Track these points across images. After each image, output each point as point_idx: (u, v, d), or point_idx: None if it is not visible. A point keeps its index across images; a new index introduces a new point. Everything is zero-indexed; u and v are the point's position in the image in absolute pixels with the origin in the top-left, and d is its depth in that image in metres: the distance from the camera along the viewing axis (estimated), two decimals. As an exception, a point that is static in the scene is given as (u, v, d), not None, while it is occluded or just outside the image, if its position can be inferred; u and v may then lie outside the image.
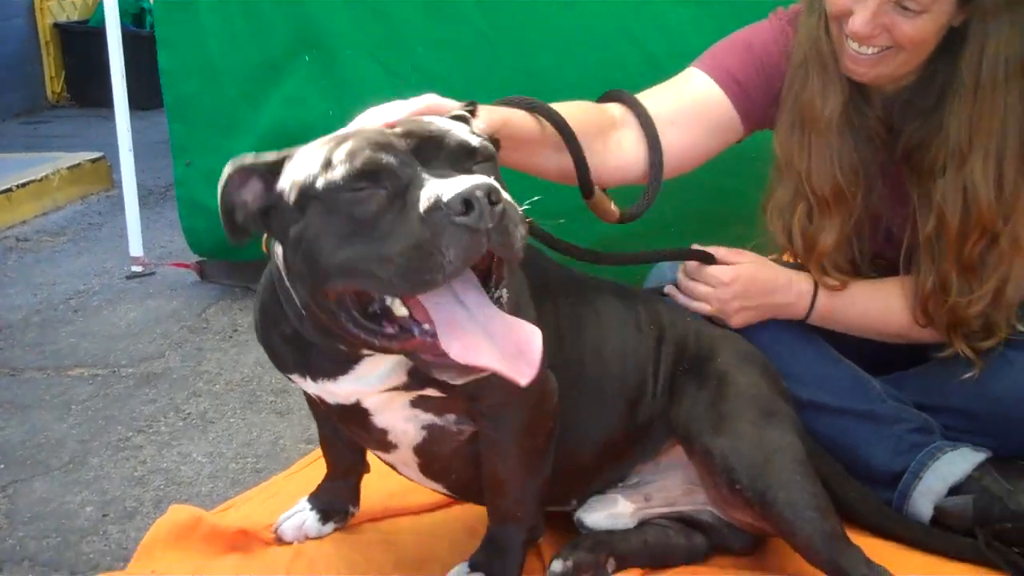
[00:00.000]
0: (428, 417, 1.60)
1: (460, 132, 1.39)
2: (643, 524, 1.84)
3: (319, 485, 1.97)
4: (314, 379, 1.56)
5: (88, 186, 5.14)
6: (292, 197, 1.37)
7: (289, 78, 3.35)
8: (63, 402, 2.78)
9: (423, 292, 1.28)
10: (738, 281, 1.90)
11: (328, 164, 1.34)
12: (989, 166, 1.73)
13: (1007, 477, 1.80)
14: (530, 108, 1.79)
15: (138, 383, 2.89)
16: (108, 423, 2.64)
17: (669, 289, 1.99)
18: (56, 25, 7.74)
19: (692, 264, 1.95)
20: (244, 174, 1.43)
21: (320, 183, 1.33)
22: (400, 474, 1.79)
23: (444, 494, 1.83)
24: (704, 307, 1.93)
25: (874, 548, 1.75)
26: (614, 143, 1.89)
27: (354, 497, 1.96)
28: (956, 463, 1.83)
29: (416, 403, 1.57)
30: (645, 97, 1.99)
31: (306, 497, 1.97)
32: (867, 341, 1.95)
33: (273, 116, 3.37)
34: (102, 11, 3.80)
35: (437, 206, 1.23)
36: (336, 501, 1.95)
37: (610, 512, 1.83)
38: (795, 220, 1.91)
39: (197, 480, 2.33)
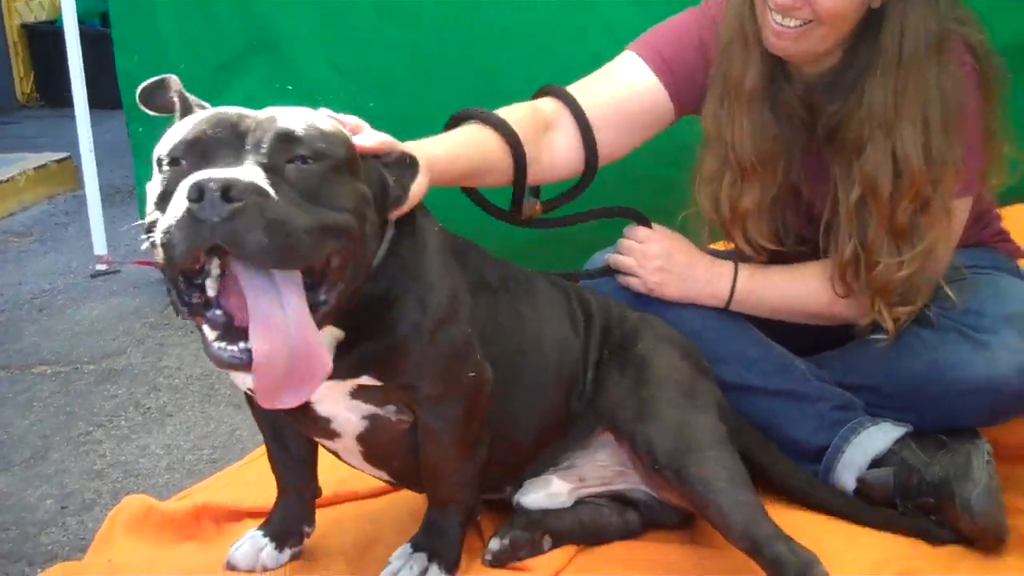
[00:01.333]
0: (369, 408, 1.65)
1: (287, 122, 1.39)
2: (578, 503, 1.91)
3: (270, 511, 1.89)
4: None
5: (55, 186, 5.18)
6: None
7: (245, 79, 3.40)
8: (26, 399, 2.84)
9: (164, 266, 1.33)
10: (663, 242, 1.99)
11: (170, 135, 1.41)
12: (917, 133, 1.81)
13: (925, 450, 1.88)
14: (485, 121, 1.90)
15: (99, 379, 2.94)
16: (69, 419, 2.70)
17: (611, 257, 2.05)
18: (24, 25, 7.76)
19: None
20: None
21: (157, 151, 1.41)
22: (344, 462, 1.85)
23: (387, 481, 1.89)
24: (628, 260, 2.00)
25: (798, 520, 1.83)
26: (547, 145, 1.96)
27: (308, 516, 1.89)
28: (877, 437, 1.91)
29: (356, 394, 1.62)
30: (580, 88, 2.06)
31: (256, 527, 1.88)
32: (791, 324, 2.02)
33: (231, 115, 3.42)
34: (70, 11, 3.84)
35: (181, 191, 1.27)
36: (290, 522, 1.87)
37: (547, 492, 1.89)
38: (722, 188, 1.98)
39: (155, 472, 2.40)
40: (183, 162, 1.36)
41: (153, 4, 3.43)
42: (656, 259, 1.97)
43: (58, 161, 5.27)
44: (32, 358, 3.14)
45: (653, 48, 2.04)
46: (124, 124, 4.88)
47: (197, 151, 1.35)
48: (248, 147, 1.35)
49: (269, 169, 1.33)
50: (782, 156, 1.96)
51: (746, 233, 1.98)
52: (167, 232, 1.26)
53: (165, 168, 1.38)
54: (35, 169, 5.11)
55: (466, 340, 1.64)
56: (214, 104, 3.54)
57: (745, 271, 1.97)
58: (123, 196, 4.92)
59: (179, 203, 1.26)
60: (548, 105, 2.02)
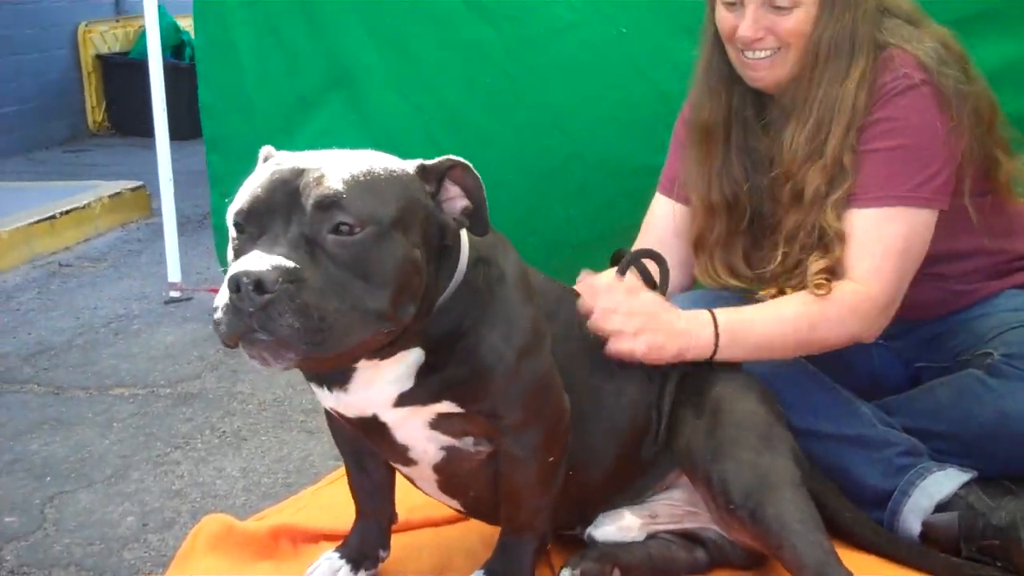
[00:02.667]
0: (447, 439, 1.70)
1: (332, 183, 1.42)
2: (649, 538, 1.95)
3: (347, 534, 1.94)
4: (329, 389, 1.65)
5: (128, 213, 5.34)
6: None
7: (320, 112, 3.52)
8: (105, 419, 2.94)
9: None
10: (639, 301, 1.89)
11: (238, 197, 1.48)
12: (801, 129, 1.97)
13: (991, 495, 1.91)
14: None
15: (176, 402, 3.04)
16: (148, 440, 2.79)
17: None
18: (98, 56, 7.98)
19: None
20: None
21: (229, 215, 1.49)
22: (418, 488, 1.91)
23: (458, 511, 1.95)
24: (611, 325, 1.85)
25: (868, 565, 1.86)
26: None
27: (384, 541, 1.94)
28: (943, 482, 1.94)
29: (434, 425, 1.66)
30: (636, 243, 2.26)
31: (332, 549, 1.94)
32: (858, 369, 2.06)
33: (306, 149, 3.52)
34: (143, 43, 3.99)
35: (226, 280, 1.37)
36: (366, 546, 1.92)
37: (618, 526, 1.94)
38: (693, 225, 2.15)
39: (231, 493, 2.48)
40: (244, 231, 1.45)
41: (234, 41, 3.57)
42: (643, 322, 1.85)
43: (132, 190, 5.43)
44: (110, 380, 3.25)
45: (667, 177, 2.28)
46: (194, 154, 5.06)
47: (254, 221, 1.43)
48: (295, 214, 1.41)
49: (311, 241, 1.39)
50: (745, 200, 2.09)
51: (710, 261, 2.12)
52: (217, 315, 1.38)
53: (233, 235, 1.48)
54: (109, 197, 5.27)
55: (548, 370, 1.69)
56: (292, 139, 3.70)
57: (721, 314, 1.91)
58: (193, 225, 5.06)
59: (223, 291, 1.37)
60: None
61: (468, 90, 3.38)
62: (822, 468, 1.97)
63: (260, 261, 1.34)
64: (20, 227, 4.71)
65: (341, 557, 1.92)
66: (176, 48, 7.55)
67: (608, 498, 1.92)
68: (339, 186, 1.41)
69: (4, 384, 3.22)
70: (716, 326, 1.89)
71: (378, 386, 1.59)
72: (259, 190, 1.45)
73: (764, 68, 1.99)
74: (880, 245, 1.92)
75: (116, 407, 3.03)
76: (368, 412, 1.64)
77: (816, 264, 1.92)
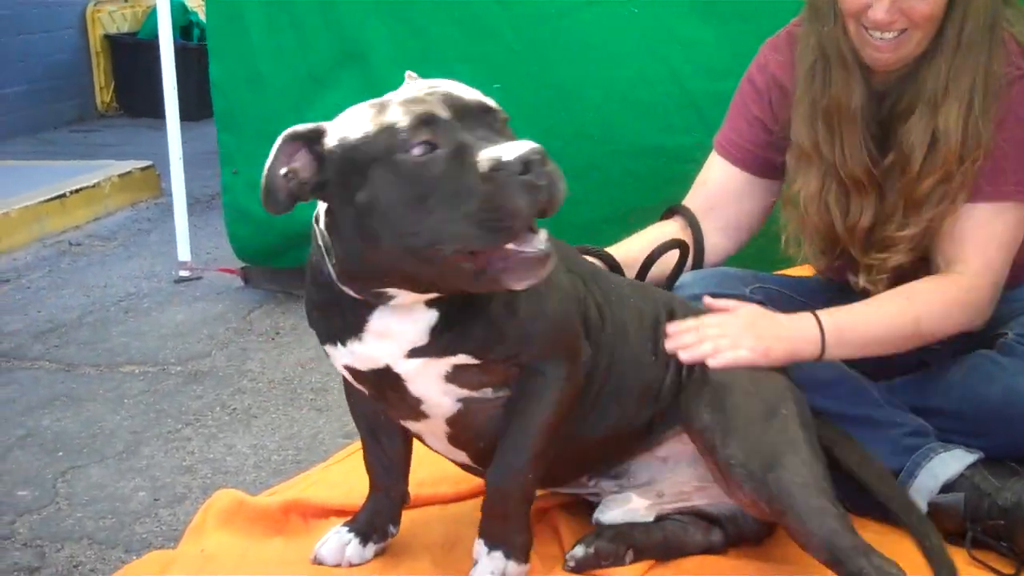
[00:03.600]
0: (464, 391, 1.70)
1: (480, 96, 1.55)
2: (662, 519, 1.95)
3: (359, 509, 1.95)
4: (343, 343, 1.66)
5: (138, 193, 5.36)
6: (348, 161, 1.49)
7: (332, 90, 3.52)
8: (116, 396, 2.96)
9: (505, 242, 1.45)
10: (743, 311, 1.93)
11: (385, 129, 1.47)
12: (961, 113, 1.91)
13: (997, 476, 1.91)
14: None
15: (186, 380, 3.06)
16: (159, 416, 2.81)
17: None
18: (107, 36, 7.99)
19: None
20: (294, 144, 1.53)
21: (381, 147, 1.46)
22: (425, 444, 1.90)
23: (462, 464, 1.93)
24: (711, 343, 1.86)
25: (880, 532, 1.86)
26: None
27: (395, 517, 1.94)
28: (949, 463, 1.94)
29: (451, 378, 1.67)
30: (686, 199, 2.27)
31: (341, 523, 1.95)
32: None
33: (317, 127, 3.53)
34: (151, 23, 4.01)
35: (499, 166, 1.41)
36: (377, 521, 1.92)
37: (625, 509, 1.94)
38: (831, 205, 2.05)
39: (242, 470, 2.50)
40: (447, 128, 1.47)
41: (246, 17, 3.57)
42: (742, 330, 1.88)
43: (142, 169, 5.45)
44: (120, 357, 3.27)
45: (727, 138, 2.24)
46: (202, 136, 5.07)
47: (464, 120, 1.49)
48: (491, 121, 1.53)
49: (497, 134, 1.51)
50: (874, 176, 2.04)
51: (864, 249, 2.04)
52: (504, 206, 1.41)
53: (411, 159, 1.46)
54: (119, 176, 5.29)
55: (565, 313, 1.72)
56: (303, 117, 3.68)
57: (824, 315, 1.92)
58: (202, 205, 5.07)
59: (504, 180, 1.40)
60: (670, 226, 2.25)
61: (477, 70, 3.37)
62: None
63: (524, 144, 1.43)
64: (29, 206, 4.73)
65: (350, 531, 1.92)
66: (184, 28, 7.54)
67: (606, 455, 1.91)
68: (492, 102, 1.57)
69: (15, 361, 3.24)
70: (821, 327, 1.90)
71: (390, 339, 1.62)
72: (457, 95, 1.53)
73: (889, 49, 1.93)
74: (989, 239, 1.94)
75: (127, 384, 3.05)
76: (381, 363, 1.65)
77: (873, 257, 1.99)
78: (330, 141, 1.52)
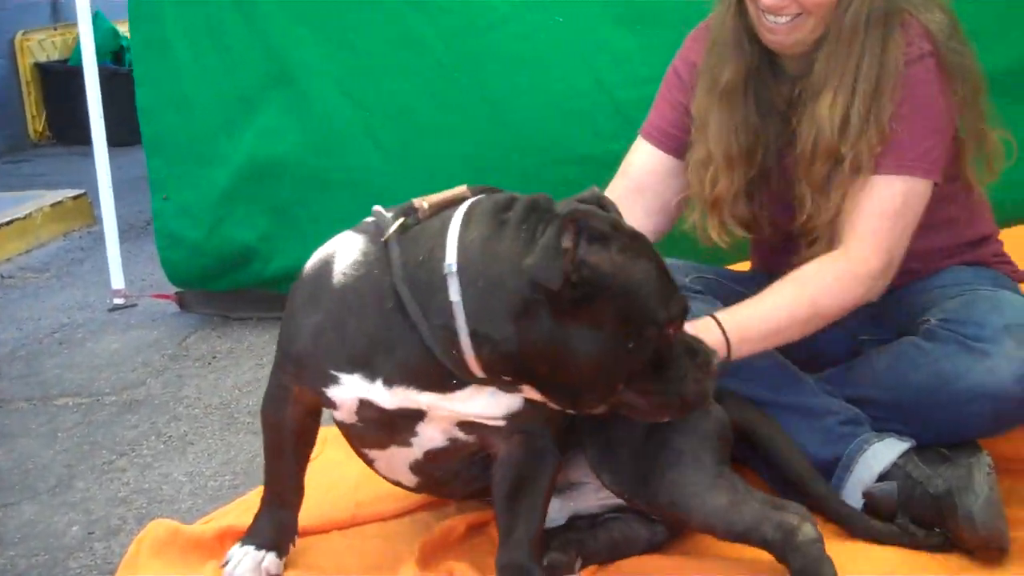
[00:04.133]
0: (460, 434, 1.73)
1: None
2: (610, 520, 1.95)
3: (253, 524, 1.92)
4: (377, 380, 1.64)
5: (70, 222, 5.26)
6: (614, 293, 1.54)
7: (262, 111, 3.49)
8: (50, 430, 2.90)
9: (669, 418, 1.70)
10: None
11: (642, 282, 1.57)
12: (837, 102, 1.96)
13: (928, 463, 1.93)
14: None
15: (121, 410, 3.01)
16: (92, 448, 2.76)
17: None
18: (37, 65, 7.86)
19: None
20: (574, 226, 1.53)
21: (650, 311, 1.58)
22: (370, 464, 1.90)
23: (401, 485, 1.93)
24: None
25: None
26: None
27: (295, 527, 1.95)
28: (883, 453, 1.96)
29: (465, 427, 1.72)
30: (613, 183, 2.26)
31: (240, 544, 1.91)
32: (799, 343, 2.08)
33: (248, 149, 3.51)
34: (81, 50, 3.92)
35: (704, 363, 1.66)
36: (282, 533, 1.92)
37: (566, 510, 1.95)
38: (707, 175, 2.11)
39: (178, 498, 2.46)
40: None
41: (170, 40, 3.52)
42: None
43: (73, 198, 5.35)
44: (54, 390, 3.21)
45: (652, 124, 2.26)
46: (137, 161, 4.99)
47: None
48: None
49: None
50: (760, 147, 2.10)
51: (721, 217, 2.11)
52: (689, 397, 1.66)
53: (644, 322, 1.59)
54: (51, 206, 5.19)
55: None
56: (234, 140, 3.63)
57: (723, 315, 1.95)
58: (136, 231, 4.99)
59: (699, 377, 1.67)
60: None
61: (408, 85, 3.37)
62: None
63: (709, 348, 1.70)
64: (-41, 240, 4.64)
65: (259, 547, 1.89)
66: (116, 54, 7.44)
67: None
68: None
69: (-54, 398, 3.17)
70: (723, 329, 1.92)
71: (483, 399, 1.67)
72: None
73: (783, 32, 1.98)
74: (876, 210, 1.97)
75: (60, 417, 2.99)
76: (421, 406, 1.67)
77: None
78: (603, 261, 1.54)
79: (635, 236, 1.60)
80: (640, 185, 2.22)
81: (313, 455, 2.43)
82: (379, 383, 1.64)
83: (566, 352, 1.53)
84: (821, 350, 2.11)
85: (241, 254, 3.55)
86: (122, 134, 4.96)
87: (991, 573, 1.82)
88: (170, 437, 2.80)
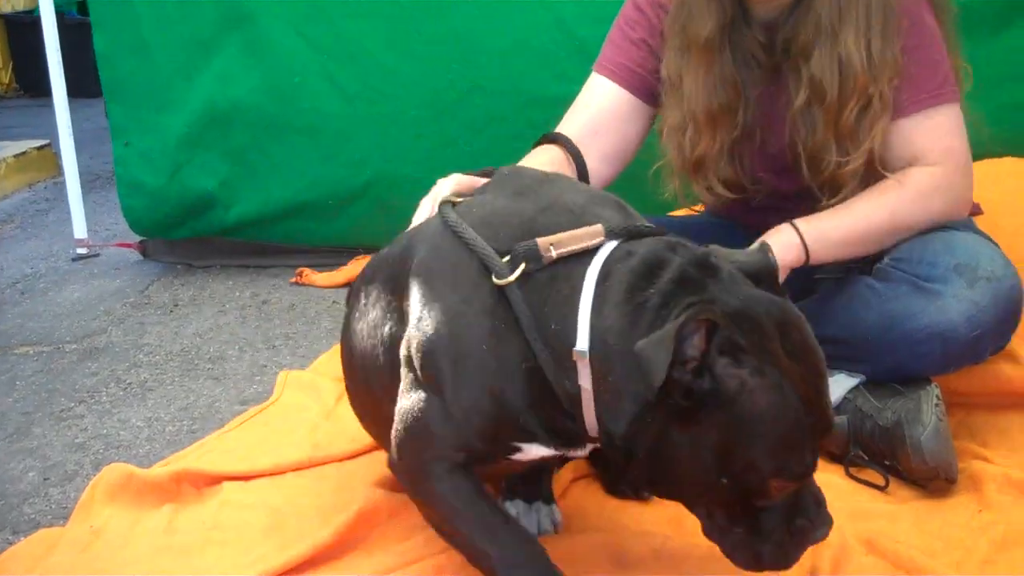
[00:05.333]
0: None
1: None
2: None
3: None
4: (549, 445, 1.52)
5: (35, 173, 5.21)
6: (701, 391, 1.29)
7: (219, 55, 3.44)
8: (8, 379, 2.88)
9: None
10: None
11: (765, 419, 1.29)
12: (860, 38, 1.92)
13: (879, 397, 1.94)
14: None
15: (81, 358, 2.98)
16: (51, 396, 2.74)
17: None
18: (3, 16, 7.75)
19: None
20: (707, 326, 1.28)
21: (739, 420, 1.29)
22: None
23: None
24: None
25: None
26: None
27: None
28: (832, 389, 1.96)
29: None
30: (565, 122, 2.20)
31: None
32: None
33: (205, 93, 3.46)
34: (48, 0, 3.85)
35: (802, 531, 1.37)
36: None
37: None
38: (686, 138, 2.07)
39: (135, 443, 2.44)
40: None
41: (127, -16, 3.46)
42: None
43: (38, 148, 5.30)
44: (15, 339, 3.17)
45: (610, 59, 2.18)
46: (101, 112, 4.94)
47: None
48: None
49: None
50: (740, 104, 2.05)
51: (707, 179, 2.07)
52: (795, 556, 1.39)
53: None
54: (15, 157, 5.14)
55: None
56: (192, 84, 3.59)
57: (801, 223, 1.95)
58: (102, 182, 4.94)
59: (802, 541, 1.38)
60: (547, 153, 2.14)
61: (367, 27, 3.33)
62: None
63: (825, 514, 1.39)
64: (-79, 192, 4.59)
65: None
66: (82, 4, 7.34)
67: None
68: None
69: (-95, 348, 3.13)
70: (799, 233, 1.92)
71: None
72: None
73: None
74: (936, 134, 1.98)
75: (20, 366, 2.96)
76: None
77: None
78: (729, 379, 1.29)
79: (790, 355, 1.30)
80: (597, 126, 2.16)
81: (272, 399, 2.47)
82: (548, 445, 1.52)
83: (662, 451, 1.34)
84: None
85: (202, 201, 3.52)
86: (89, 85, 4.87)
87: (938, 503, 1.83)
88: (129, 384, 2.78)
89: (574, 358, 1.38)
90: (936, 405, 1.88)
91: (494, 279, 1.45)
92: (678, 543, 1.71)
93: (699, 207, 2.49)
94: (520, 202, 1.56)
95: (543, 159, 2.10)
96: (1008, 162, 2.78)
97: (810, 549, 1.57)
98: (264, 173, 3.46)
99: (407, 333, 1.54)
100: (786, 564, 1.38)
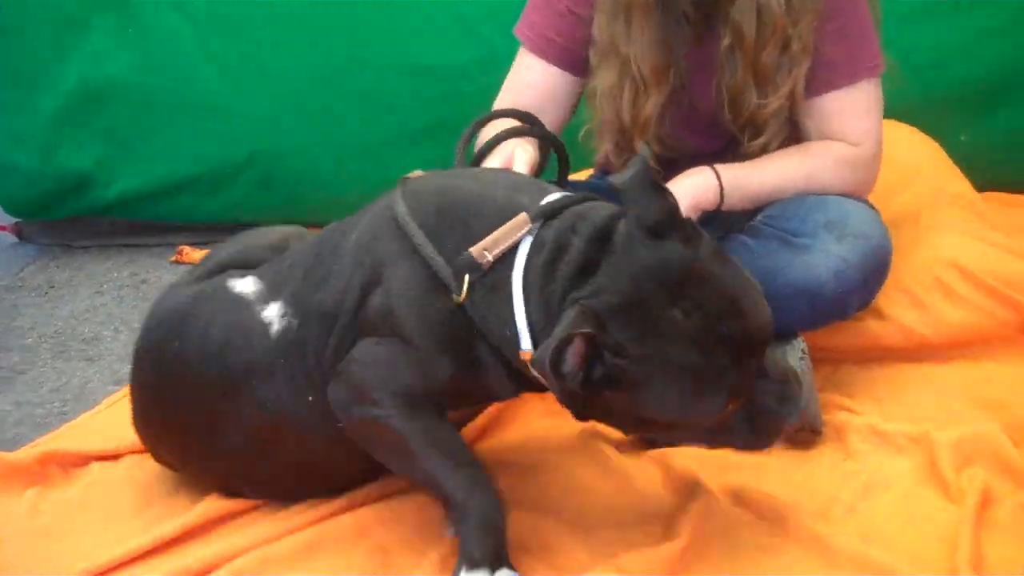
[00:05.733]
0: None
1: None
2: None
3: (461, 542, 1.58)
4: None
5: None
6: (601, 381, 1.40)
7: (92, 33, 3.31)
8: None
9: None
10: None
11: (669, 390, 1.41)
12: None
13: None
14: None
15: (-52, 344, 2.88)
16: (-84, 384, 2.64)
17: None
18: None
19: None
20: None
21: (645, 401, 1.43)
22: None
23: None
24: None
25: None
26: None
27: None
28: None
29: None
30: (496, 107, 2.15)
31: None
32: None
33: (79, 72, 3.34)
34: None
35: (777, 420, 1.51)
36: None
37: None
38: (623, 100, 2.06)
39: (2, 428, 2.36)
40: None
41: (-13, -40, 3.33)
42: None
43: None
44: None
45: (541, 36, 2.14)
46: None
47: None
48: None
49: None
50: (672, 64, 2.05)
51: (648, 140, 2.07)
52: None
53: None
54: None
55: None
56: (64, 64, 3.48)
57: (721, 168, 1.98)
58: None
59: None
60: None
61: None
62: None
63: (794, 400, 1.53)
64: None
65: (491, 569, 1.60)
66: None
67: None
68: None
69: None
70: (718, 176, 1.94)
71: None
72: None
73: None
74: (857, 111, 2.01)
75: None
76: None
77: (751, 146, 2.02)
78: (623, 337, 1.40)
79: (690, 310, 1.41)
80: (536, 109, 2.09)
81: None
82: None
83: (606, 414, 1.51)
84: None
85: (78, 180, 3.41)
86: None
87: (804, 454, 1.86)
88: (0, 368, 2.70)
89: (523, 358, 1.49)
90: (801, 359, 1.91)
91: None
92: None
93: (588, 172, 2.47)
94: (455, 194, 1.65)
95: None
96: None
97: (675, 501, 1.61)
98: (142, 150, 3.37)
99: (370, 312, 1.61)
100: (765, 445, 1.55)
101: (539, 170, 1.94)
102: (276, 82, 3.22)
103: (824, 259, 1.92)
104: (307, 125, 3.22)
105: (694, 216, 1.89)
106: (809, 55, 1.98)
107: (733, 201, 1.98)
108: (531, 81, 2.16)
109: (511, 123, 1.99)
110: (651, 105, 2.05)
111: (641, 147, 2.10)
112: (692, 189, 1.96)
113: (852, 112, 2.03)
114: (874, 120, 2.05)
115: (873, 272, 1.97)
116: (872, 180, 2.09)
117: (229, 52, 3.25)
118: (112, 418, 2.21)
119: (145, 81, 3.30)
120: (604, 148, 2.16)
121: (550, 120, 2.12)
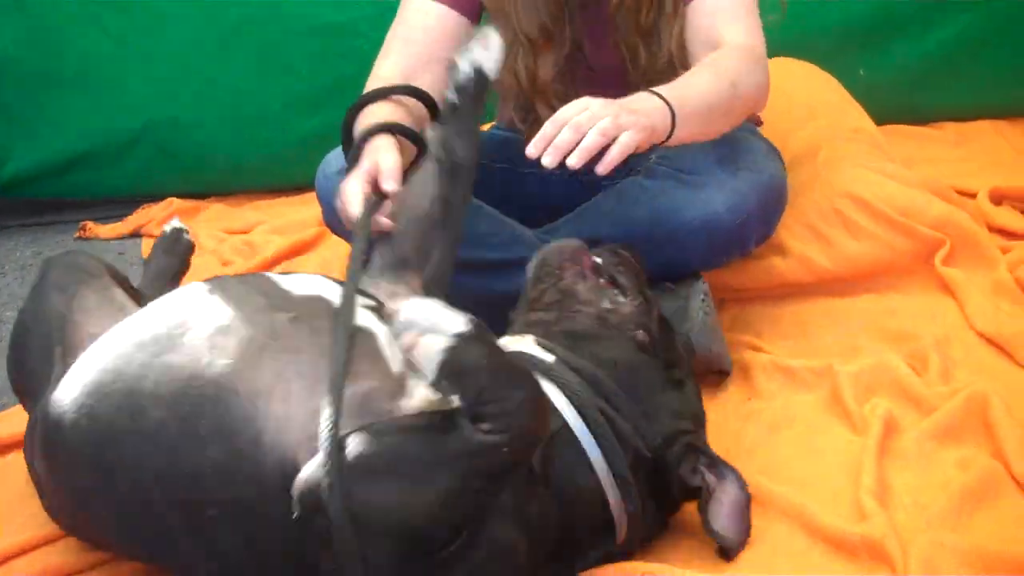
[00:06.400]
0: None
1: None
2: None
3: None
4: None
5: None
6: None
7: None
8: None
9: None
10: (589, 99, 1.70)
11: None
12: None
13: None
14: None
15: None
16: None
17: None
18: None
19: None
20: None
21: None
22: None
23: None
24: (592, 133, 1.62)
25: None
26: None
27: None
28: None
29: None
30: (390, 54, 2.02)
31: None
32: (521, 201, 2.08)
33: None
34: None
35: None
36: None
37: None
38: (519, 61, 2.03)
39: None
40: None
41: None
42: (617, 109, 1.66)
43: None
44: None
45: None
46: None
47: None
48: None
49: None
50: (566, 18, 2.02)
51: (549, 101, 2.02)
52: None
53: None
54: None
55: None
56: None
57: (659, 88, 1.78)
58: None
59: None
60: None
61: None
62: (490, 297, 1.93)
63: None
64: None
65: None
66: None
67: None
68: None
69: None
70: (665, 100, 1.73)
71: None
72: None
73: None
74: (740, 10, 1.96)
75: None
76: None
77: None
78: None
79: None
80: (429, 54, 2.00)
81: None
82: None
83: None
84: (548, 199, 2.09)
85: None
86: None
87: (711, 395, 1.86)
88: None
89: None
90: (703, 300, 1.91)
91: None
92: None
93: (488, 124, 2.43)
94: None
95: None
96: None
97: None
98: (36, 127, 3.26)
99: None
100: None
101: (410, 162, 1.78)
102: (168, 48, 3.13)
103: (718, 193, 1.92)
104: (202, 91, 3.14)
105: (645, 148, 1.72)
106: (681, 14, 1.97)
107: (681, 132, 1.77)
108: (425, 25, 2.03)
109: (388, 108, 1.85)
110: (546, 67, 2.02)
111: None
112: (651, 112, 1.73)
113: (733, 12, 1.98)
114: (755, 18, 2.00)
115: (768, 202, 1.98)
116: (767, 85, 1.98)
117: (120, 24, 3.15)
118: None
119: (34, 56, 3.19)
120: (508, 111, 2.14)
121: (444, 69, 1.99)
